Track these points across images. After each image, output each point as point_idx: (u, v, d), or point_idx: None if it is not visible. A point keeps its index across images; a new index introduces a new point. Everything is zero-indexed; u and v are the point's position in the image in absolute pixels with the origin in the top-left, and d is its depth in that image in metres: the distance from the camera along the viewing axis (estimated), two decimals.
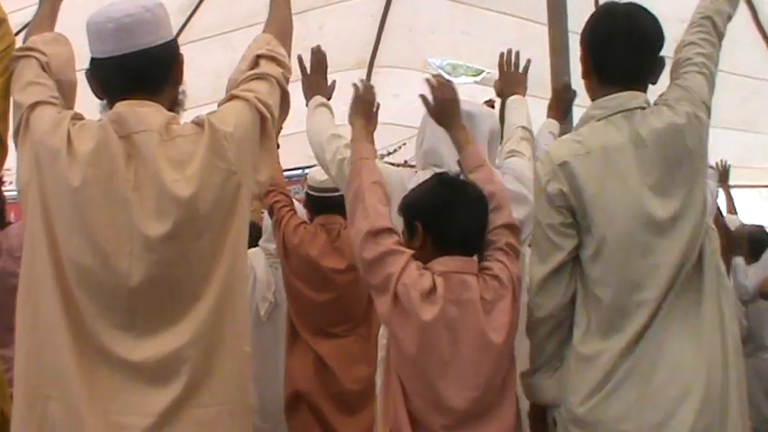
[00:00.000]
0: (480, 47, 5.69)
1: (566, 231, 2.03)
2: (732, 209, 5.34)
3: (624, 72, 2.08)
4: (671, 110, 2.02)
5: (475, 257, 2.05)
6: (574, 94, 3.11)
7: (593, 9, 2.26)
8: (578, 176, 2.01)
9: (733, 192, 5.44)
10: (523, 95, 2.88)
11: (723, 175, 5.27)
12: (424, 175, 2.31)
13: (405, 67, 6.19)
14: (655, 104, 2.06)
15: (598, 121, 2.06)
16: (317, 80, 2.74)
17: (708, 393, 1.93)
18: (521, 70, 2.94)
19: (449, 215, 2.02)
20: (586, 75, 2.16)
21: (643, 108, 2.04)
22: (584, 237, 2.03)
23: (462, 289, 1.94)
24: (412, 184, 2.29)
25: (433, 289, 1.93)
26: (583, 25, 2.19)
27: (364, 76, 6.28)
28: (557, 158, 2.05)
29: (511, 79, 2.93)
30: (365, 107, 2.36)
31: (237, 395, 1.84)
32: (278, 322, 3.60)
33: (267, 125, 1.92)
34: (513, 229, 2.10)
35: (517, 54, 2.94)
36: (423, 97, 2.30)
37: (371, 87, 2.42)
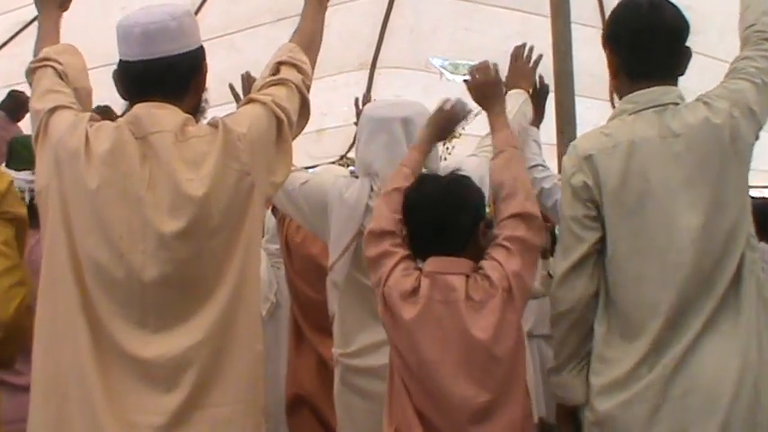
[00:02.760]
0: (483, 41, 5.68)
1: (590, 224, 2.01)
2: None
3: (654, 66, 2.04)
4: (707, 107, 1.97)
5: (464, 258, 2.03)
6: (547, 90, 3.09)
7: (595, 1, 2.23)
8: (601, 171, 1.98)
9: None
10: (527, 89, 2.86)
11: None
12: (362, 183, 2.38)
13: (407, 68, 6.19)
14: (694, 101, 2.02)
15: (629, 115, 2.03)
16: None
17: (735, 405, 1.87)
18: (531, 64, 2.89)
19: (410, 219, 2.06)
20: (614, 74, 2.12)
21: (676, 104, 2.01)
22: (605, 234, 2.01)
23: (447, 290, 1.95)
24: (348, 194, 2.33)
25: (416, 289, 1.95)
26: (586, 17, 2.15)
27: (366, 78, 6.30)
28: (582, 151, 2.03)
29: (518, 71, 2.89)
30: (441, 122, 2.33)
31: (250, 394, 1.85)
32: (279, 322, 3.59)
33: (284, 128, 1.94)
34: (525, 217, 2.04)
35: (531, 48, 2.89)
36: (466, 82, 2.34)
37: (462, 108, 2.34)
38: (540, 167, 2.78)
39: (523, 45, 2.91)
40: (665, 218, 1.94)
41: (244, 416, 1.82)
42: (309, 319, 3.29)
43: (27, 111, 2.44)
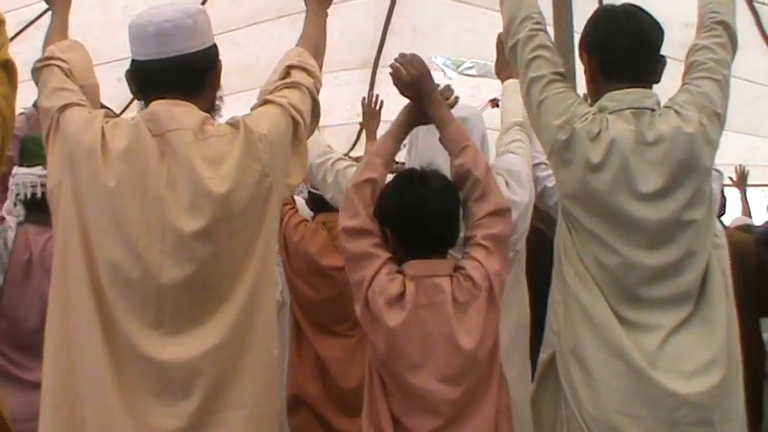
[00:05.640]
0: (485, 43, 5.68)
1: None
2: (747, 212, 5.32)
3: (631, 71, 2.06)
4: (679, 116, 2.00)
5: (450, 258, 2.01)
6: None
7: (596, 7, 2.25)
8: (579, 141, 2.01)
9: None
10: (514, 77, 2.80)
11: (740, 179, 5.26)
12: None
13: None
14: (664, 107, 2.05)
15: (610, 113, 2.04)
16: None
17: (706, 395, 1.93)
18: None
19: (411, 218, 1.98)
20: (590, 77, 2.14)
21: (653, 110, 2.03)
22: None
23: (434, 292, 1.91)
24: None
25: (402, 294, 1.91)
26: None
27: (369, 76, 6.30)
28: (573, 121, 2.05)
29: (507, 60, 2.89)
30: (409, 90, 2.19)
31: (266, 397, 1.85)
32: (284, 321, 3.59)
33: (299, 130, 1.94)
34: (499, 213, 2.01)
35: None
36: (393, 76, 2.19)
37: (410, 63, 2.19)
38: (542, 166, 2.78)
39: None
40: (630, 212, 1.99)
41: (260, 419, 1.81)
42: (309, 318, 3.29)
43: None
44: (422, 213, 1.97)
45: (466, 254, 1.99)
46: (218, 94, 1.99)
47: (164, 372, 1.73)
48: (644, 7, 2.13)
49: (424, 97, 2.15)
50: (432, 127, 2.31)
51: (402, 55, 2.20)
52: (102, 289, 1.75)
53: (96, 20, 4.33)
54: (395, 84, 2.20)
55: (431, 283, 1.93)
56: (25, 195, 2.62)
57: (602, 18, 2.15)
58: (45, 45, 2.09)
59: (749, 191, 5.61)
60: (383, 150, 2.13)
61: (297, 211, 3.39)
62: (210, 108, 1.95)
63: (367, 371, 2.04)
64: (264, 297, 1.84)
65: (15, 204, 2.65)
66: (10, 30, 2.36)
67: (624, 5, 2.13)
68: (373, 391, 1.99)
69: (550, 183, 2.76)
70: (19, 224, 2.63)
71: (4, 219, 2.66)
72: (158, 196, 1.74)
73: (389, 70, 2.24)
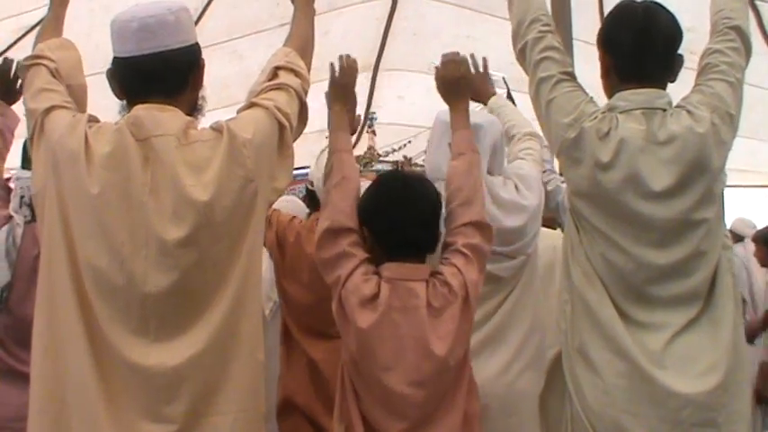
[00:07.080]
0: (485, 50, 5.69)
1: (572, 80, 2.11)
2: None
3: (644, 70, 2.05)
4: (690, 116, 1.99)
5: (426, 263, 2.00)
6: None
7: (595, 16, 2.24)
8: (588, 140, 2.01)
9: (739, 192, 5.48)
10: (495, 92, 2.88)
11: None
12: None
13: (409, 70, 6.20)
14: (676, 107, 2.04)
15: (621, 113, 2.03)
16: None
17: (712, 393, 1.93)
18: (481, 70, 2.89)
19: (387, 218, 1.98)
20: (605, 74, 2.14)
21: (664, 110, 2.02)
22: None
23: (408, 296, 1.91)
24: None
25: (376, 296, 1.91)
26: (585, 32, 2.18)
27: (369, 79, 6.31)
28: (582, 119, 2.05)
29: (479, 80, 2.86)
30: (341, 91, 2.25)
31: (253, 402, 1.84)
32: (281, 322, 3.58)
33: (285, 133, 1.92)
34: (481, 226, 2.02)
35: (472, 56, 2.80)
36: (436, 68, 2.26)
37: (349, 68, 2.25)
38: (547, 171, 2.80)
39: (473, 56, 2.79)
40: (640, 211, 1.98)
41: (246, 424, 1.81)
42: (300, 321, 3.25)
43: (18, 88, 2.43)
44: (398, 216, 1.97)
45: (445, 259, 1.99)
46: (201, 93, 1.97)
47: (149, 378, 1.72)
48: (657, 1, 2.11)
49: (452, 98, 2.23)
50: (445, 130, 2.33)
51: (448, 54, 2.27)
52: (87, 295, 1.74)
53: (97, 26, 4.34)
54: (439, 76, 2.25)
55: (405, 287, 1.92)
56: (30, 198, 2.64)
57: (618, 15, 2.13)
58: (37, 41, 2.07)
59: (749, 192, 5.64)
60: (346, 144, 2.15)
61: (280, 211, 3.36)
62: (193, 108, 1.93)
63: (339, 371, 2.04)
64: (249, 302, 1.84)
65: (21, 206, 2.68)
66: (10, 36, 2.36)
67: (644, 2, 2.11)
68: (345, 391, 1.99)
69: (551, 186, 2.77)
70: (26, 222, 2.66)
71: (11, 217, 2.69)
72: (141, 203, 1.73)
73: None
